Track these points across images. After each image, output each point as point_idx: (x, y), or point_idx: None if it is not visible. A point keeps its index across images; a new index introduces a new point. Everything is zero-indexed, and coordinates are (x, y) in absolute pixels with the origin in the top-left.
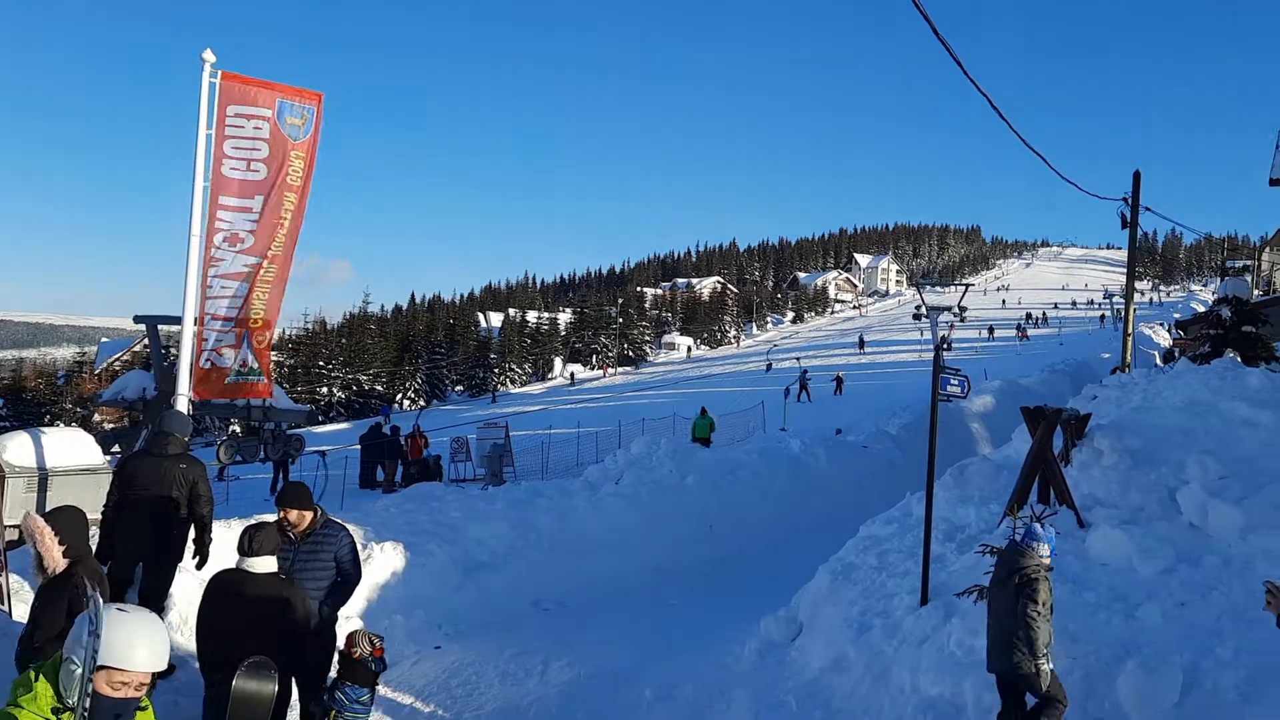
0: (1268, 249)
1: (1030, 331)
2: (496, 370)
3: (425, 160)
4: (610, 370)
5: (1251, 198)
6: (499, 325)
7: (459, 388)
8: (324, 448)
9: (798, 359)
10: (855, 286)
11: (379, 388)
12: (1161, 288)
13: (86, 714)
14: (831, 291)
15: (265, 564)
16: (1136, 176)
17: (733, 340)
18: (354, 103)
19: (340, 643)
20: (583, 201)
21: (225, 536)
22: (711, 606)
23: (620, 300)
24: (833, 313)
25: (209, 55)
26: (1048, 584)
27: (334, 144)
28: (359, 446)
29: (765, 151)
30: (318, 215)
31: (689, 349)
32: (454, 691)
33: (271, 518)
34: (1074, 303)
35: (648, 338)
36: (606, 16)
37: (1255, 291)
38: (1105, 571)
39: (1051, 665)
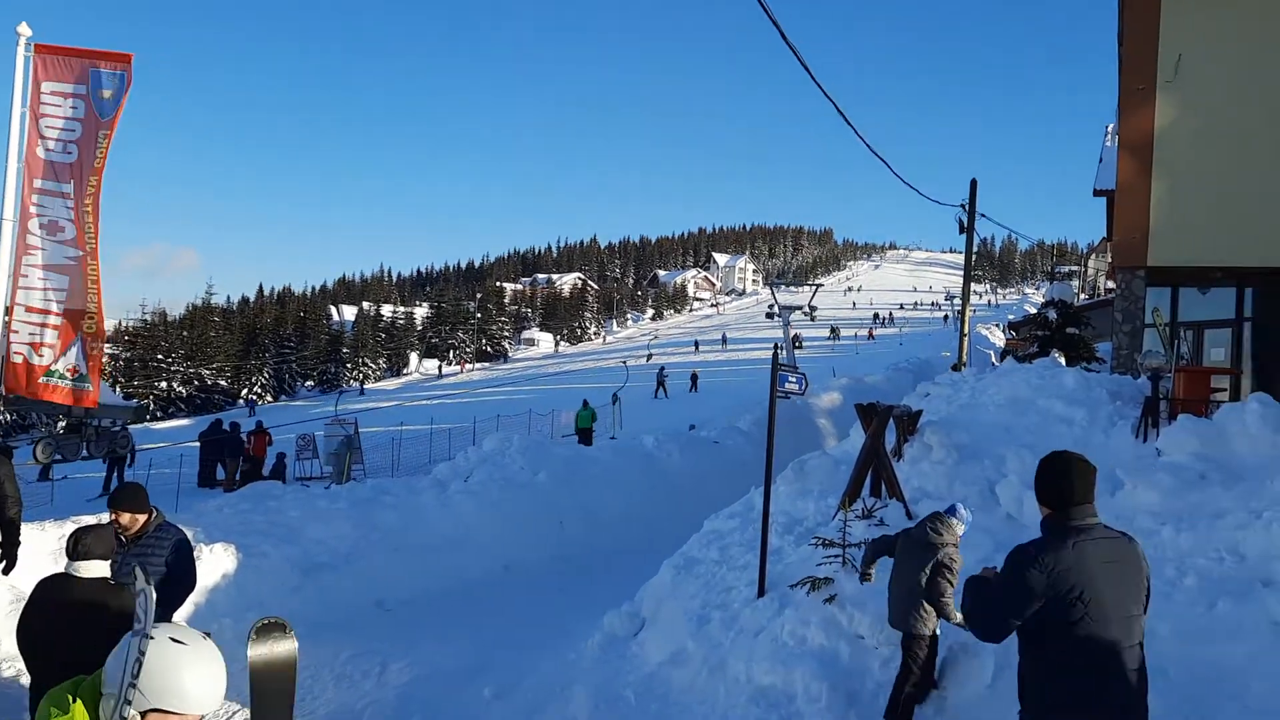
0: (1093, 255)
1: (877, 331)
2: (349, 365)
3: (274, 146)
4: (468, 366)
5: (1080, 207)
6: (353, 319)
7: (309, 383)
8: (161, 444)
9: (649, 354)
10: (714, 285)
11: (223, 383)
12: (998, 290)
13: None
14: (691, 290)
15: (93, 569)
16: (973, 185)
17: (593, 337)
18: (204, 83)
19: None
20: (441, 194)
21: (41, 539)
22: (559, 603)
23: (479, 295)
24: (691, 310)
25: (24, 29)
26: (960, 559)
27: (182, 126)
28: (198, 444)
29: (627, 151)
30: (163, 201)
31: (557, 343)
32: None
33: (94, 520)
34: (915, 304)
35: (507, 333)
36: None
37: (1081, 295)
38: None
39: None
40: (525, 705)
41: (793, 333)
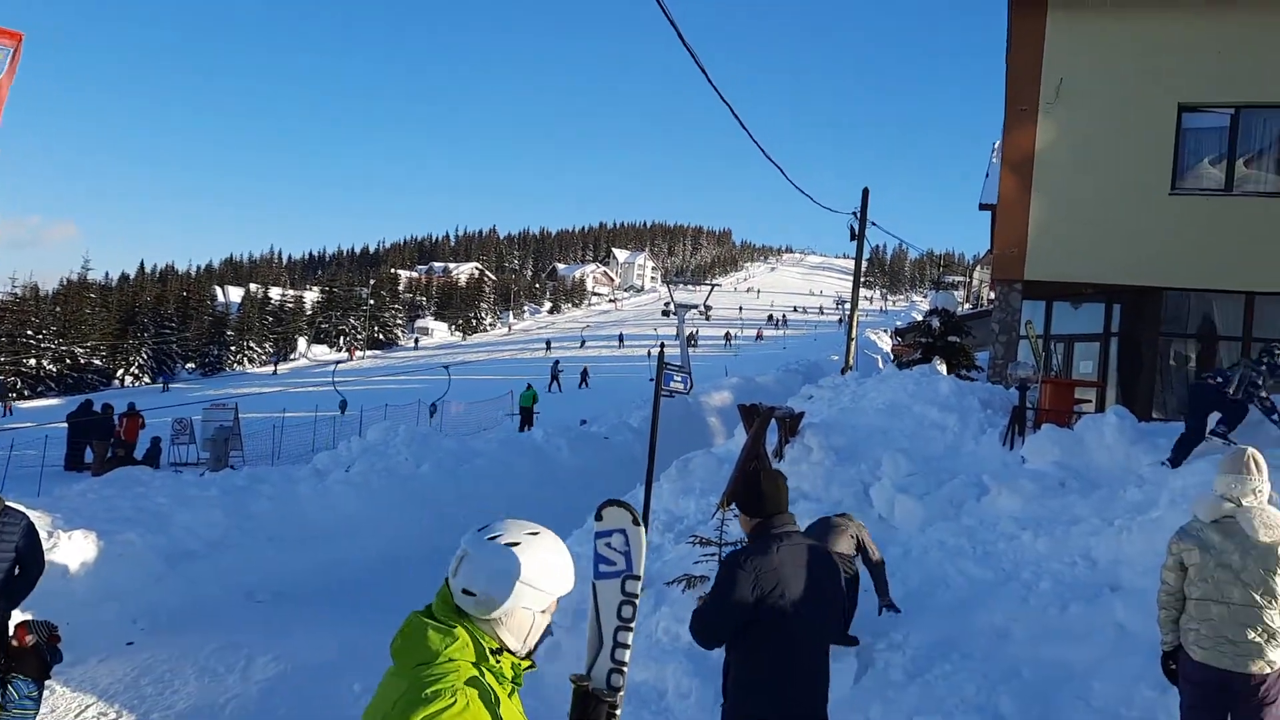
0: (978, 267)
1: (772, 333)
2: (233, 348)
3: (160, 118)
4: (359, 353)
5: (967, 220)
6: (239, 301)
7: (190, 365)
8: (26, 425)
9: (547, 345)
10: (613, 280)
11: (97, 362)
12: (888, 297)
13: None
14: (589, 284)
15: None
16: (865, 193)
17: (488, 328)
18: (81, 50)
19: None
20: (337, 177)
21: None
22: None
23: (373, 281)
24: (589, 305)
25: None
26: None
27: (66, 92)
28: (66, 425)
29: (529, 143)
30: (41, 171)
31: (462, 332)
32: (143, 690)
33: None
34: (799, 308)
35: (400, 321)
36: None
37: (965, 305)
38: None
39: None
40: None
41: (688, 331)
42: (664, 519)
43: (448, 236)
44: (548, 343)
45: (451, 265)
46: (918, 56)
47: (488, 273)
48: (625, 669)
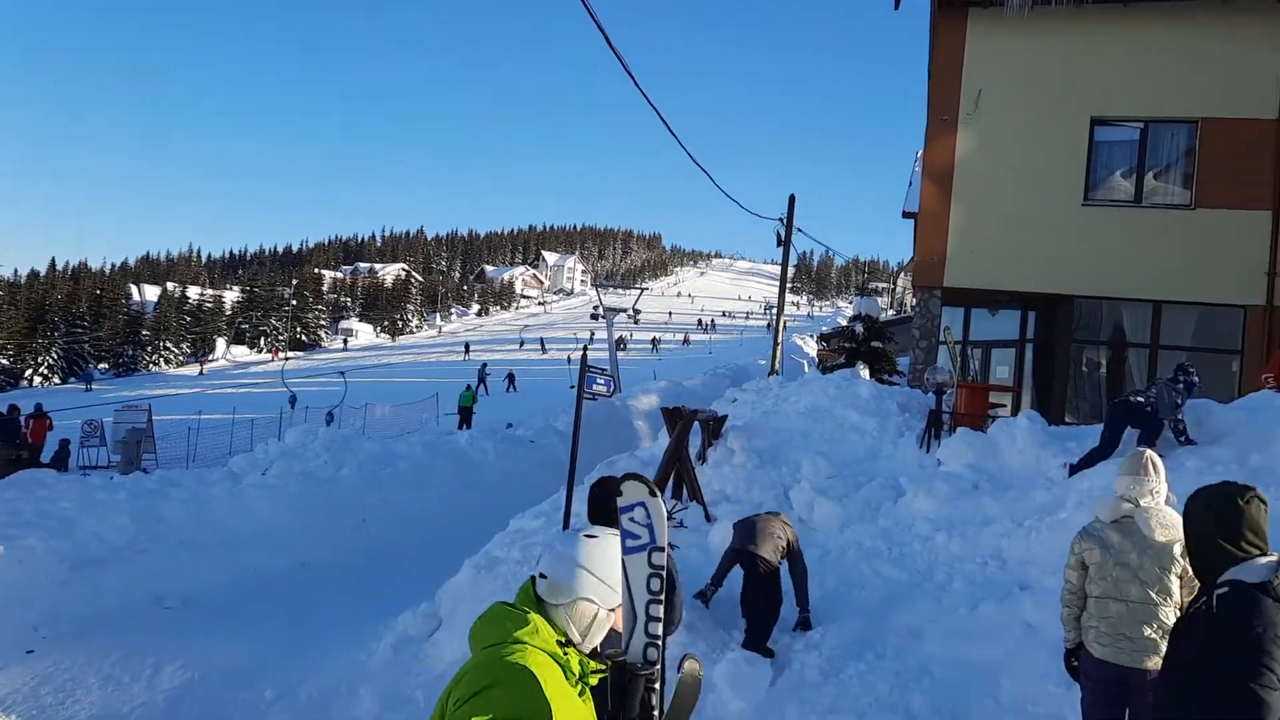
0: (901, 274)
1: (700, 337)
2: (149, 349)
3: (72, 108)
4: (280, 355)
5: (892, 228)
6: (155, 300)
7: (103, 365)
8: None
9: (466, 350)
10: (542, 283)
11: (4, 361)
12: (815, 302)
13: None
14: (518, 287)
15: None
16: (792, 200)
17: (415, 330)
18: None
19: None
20: (259, 174)
21: None
22: (355, 603)
23: (295, 281)
24: (518, 308)
25: None
26: None
27: None
28: None
29: (459, 142)
30: None
31: (389, 334)
32: (43, 700)
33: None
34: (728, 313)
35: (324, 322)
36: None
37: (889, 311)
38: None
39: None
40: (308, 707)
41: (617, 335)
42: (586, 522)
43: (374, 237)
44: (466, 346)
45: (378, 266)
46: (847, 66)
47: (415, 274)
48: (659, 642)
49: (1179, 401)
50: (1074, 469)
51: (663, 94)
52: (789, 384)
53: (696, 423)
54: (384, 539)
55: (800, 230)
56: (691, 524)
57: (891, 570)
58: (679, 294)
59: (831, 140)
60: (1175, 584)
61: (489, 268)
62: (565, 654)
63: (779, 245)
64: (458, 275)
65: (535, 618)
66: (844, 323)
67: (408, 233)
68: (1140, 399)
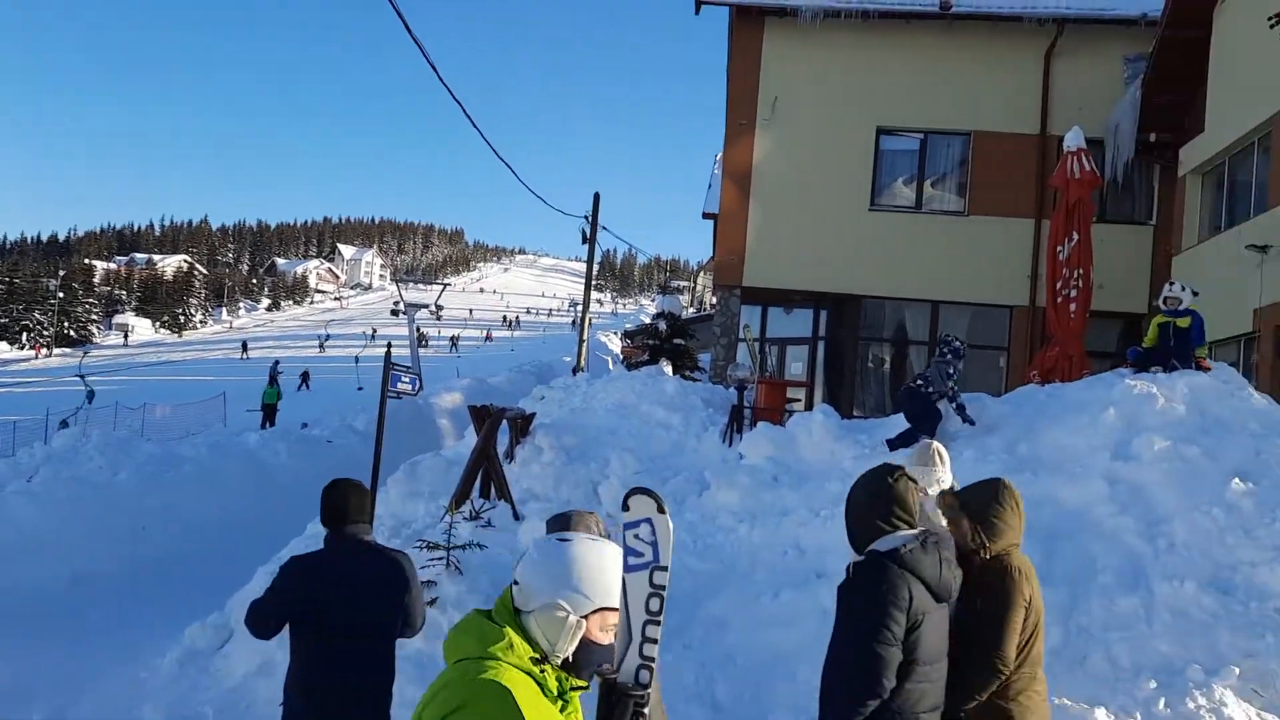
0: (702, 273)
1: (504, 333)
2: None
3: None
4: (44, 351)
5: (694, 228)
6: None
7: None
8: None
9: (244, 349)
10: (338, 278)
11: None
12: (619, 300)
13: (568, 662)
14: (313, 281)
15: None
16: (596, 198)
17: (199, 325)
18: None
19: None
20: (18, 155)
21: None
22: (135, 617)
23: (63, 273)
24: (312, 303)
25: None
26: None
27: None
28: None
29: (247, 127)
30: None
31: (170, 329)
32: None
33: None
34: (532, 310)
35: (96, 317)
36: None
37: (691, 309)
38: None
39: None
40: None
41: (419, 331)
42: (390, 524)
43: (152, 226)
44: (244, 344)
45: (156, 257)
46: (652, 68)
47: (198, 266)
48: (654, 664)
49: (950, 372)
50: (893, 446)
51: (466, 87)
52: (596, 381)
53: (504, 421)
54: (167, 547)
55: (605, 228)
56: (500, 523)
57: (697, 562)
58: (481, 289)
59: (636, 141)
60: None
61: (281, 261)
62: (542, 671)
63: (584, 243)
64: (246, 268)
65: (509, 631)
66: (647, 320)
67: (190, 222)
68: (918, 382)
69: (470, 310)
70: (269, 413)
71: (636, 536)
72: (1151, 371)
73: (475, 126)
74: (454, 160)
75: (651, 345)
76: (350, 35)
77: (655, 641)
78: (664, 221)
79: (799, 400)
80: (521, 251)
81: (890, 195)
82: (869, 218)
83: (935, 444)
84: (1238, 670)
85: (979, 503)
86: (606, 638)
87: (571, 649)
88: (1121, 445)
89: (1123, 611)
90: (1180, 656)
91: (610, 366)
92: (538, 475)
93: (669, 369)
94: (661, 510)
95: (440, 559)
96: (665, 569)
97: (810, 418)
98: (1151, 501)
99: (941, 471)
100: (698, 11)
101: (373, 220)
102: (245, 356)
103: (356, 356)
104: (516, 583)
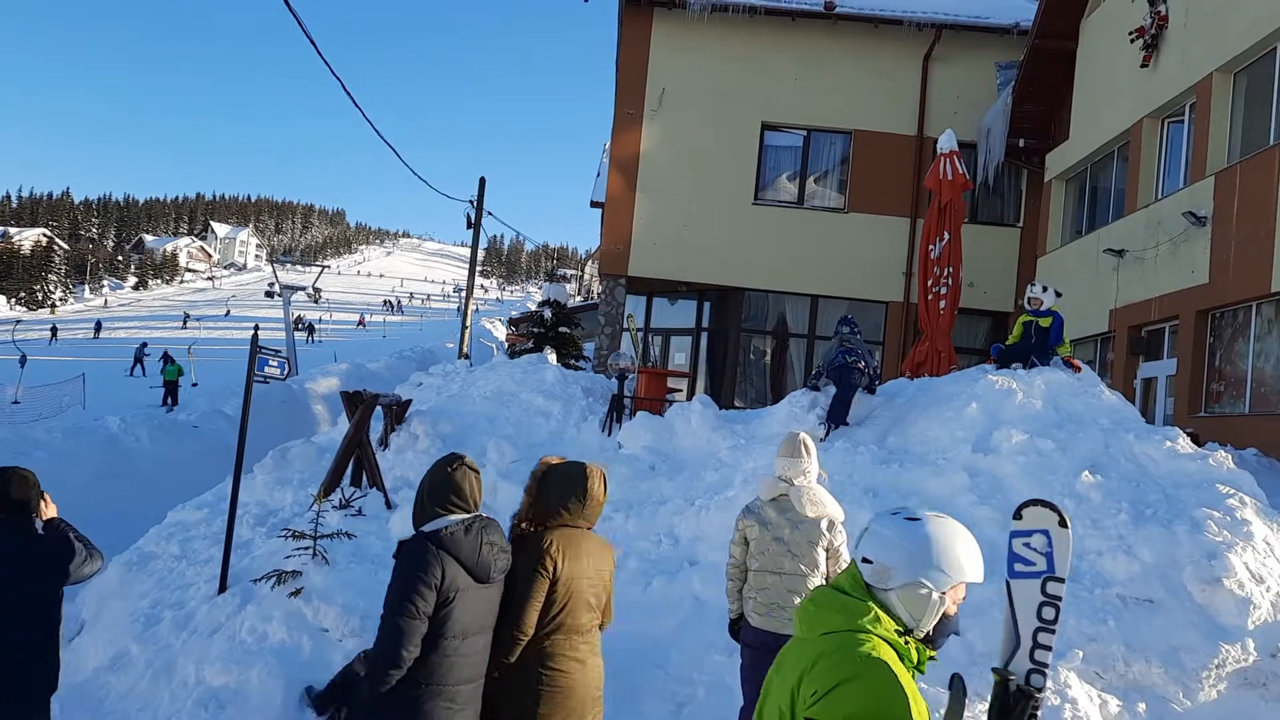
0: (590, 261)
1: (380, 319)
2: None
3: None
4: None
5: (582, 216)
6: None
7: None
8: None
9: (53, 331)
10: (210, 256)
11: None
12: (505, 287)
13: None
14: (183, 259)
15: None
16: (482, 182)
17: (58, 303)
18: None
19: None
20: None
21: None
22: None
23: None
24: (182, 282)
25: None
26: None
27: None
28: None
29: (112, 95)
30: None
31: (26, 306)
32: None
33: None
34: (414, 295)
35: None
36: None
37: (577, 297)
38: None
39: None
40: None
41: (295, 314)
42: (256, 512)
43: (9, 197)
44: (98, 325)
45: (13, 230)
46: (546, 55)
47: (58, 241)
48: (1046, 670)
49: (855, 348)
50: (836, 422)
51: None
52: (476, 368)
53: (379, 407)
54: None
55: (490, 214)
56: (371, 511)
57: None
58: (369, 274)
59: (526, 129)
60: (822, 556)
61: (149, 238)
62: (906, 642)
63: (469, 228)
64: (111, 244)
65: (873, 606)
66: (533, 308)
67: (50, 195)
68: (851, 358)
69: (324, 300)
70: (171, 390)
71: (1027, 545)
72: (1013, 368)
73: (356, 104)
74: (337, 140)
75: (536, 333)
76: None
77: (1049, 649)
78: (554, 209)
79: (681, 390)
80: (406, 235)
81: (774, 190)
82: (753, 211)
83: (802, 435)
84: (1081, 654)
85: (552, 482)
86: (955, 609)
87: (934, 623)
88: (982, 438)
89: (979, 598)
90: None
91: (495, 353)
92: (412, 463)
93: (553, 357)
94: (1064, 524)
95: (306, 548)
96: (1062, 581)
97: (688, 408)
98: (1009, 492)
99: (808, 462)
100: (586, 0)
101: (249, 198)
102: (96, 337)
103: (190, 350)
104: (868, 560)
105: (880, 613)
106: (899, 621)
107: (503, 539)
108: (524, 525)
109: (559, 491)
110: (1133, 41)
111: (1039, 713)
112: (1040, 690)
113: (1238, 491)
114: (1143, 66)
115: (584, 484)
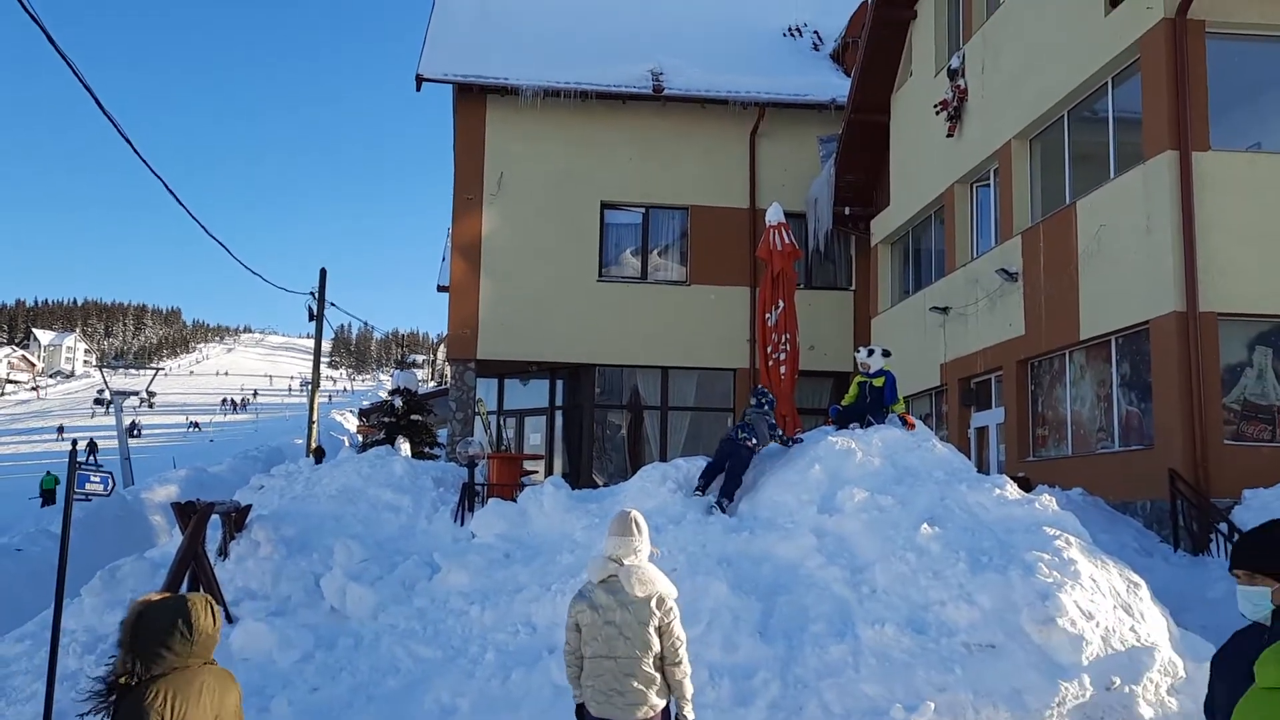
0: (440, 346)
1: (229, 417)
2: None
3: None
4: None
5: (432, 301)
6: None
7: None
8: None
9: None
10: (34, 365)
11: None
12: (356, 377)
13: None
14: (4, 370)
15: None
16: (323, 274)
17: None
18: None
19: None
20: None
21: None
22: None
23: None
24: (3, 394)
25: None
26: None
27: None
28: None
29: None
30: None
31: None
32: None
33: None
34: (257, 391)
35: None
36: None
37: (430, 383)
38: (246, 666)
39: None
40: None
41: (128, 420)
42: (84, 639)
43: None
44: None
45: None
46: (382, 141)
47: None
48: None
49: (773, 422)
50: (704, 488)
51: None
52: (321, 466)
53: (216, 516)
54: None
55: (334, 304)
56: None
57: (426, 650)
58: (192, 373)
59: (370, 216)
60: (654, 637)
61: None
62: None
63: (311, 319)
64: None
65: None
66: (385, 396)
67: None
68: (742, 435)
69: (150, 403)
70: (49, 498)
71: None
72: (851, 428)
73: (176, 199)
74: (167, 237)
75: (388, 423)
76: (23, 101)
77: None
78: (402, 295)
79: (537, 472)
80: (248, 330)
81: (618, 266)
82: (598, 288)
83: (634, 513)
84: (933, 705)
85: (150, 624)
86: None
87: None
88: (827, 499)
89: (833, 659)
90: (884, 697)
91: (346, 446)
92: (254, 572)
93: (406, 448)
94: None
95: None
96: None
97: (541, 491)
98: (854, 550)
99: (639, 540)
100: (419, 88)
101: (74, 302)
102: None
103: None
104: None
105: None
106: None
107: None
108: (123, 680)
109: (160, 633)
110: (938, 114)
111: None
112: None
113: (1063, 533)
114: (949, 136)
115: (187, 617)
